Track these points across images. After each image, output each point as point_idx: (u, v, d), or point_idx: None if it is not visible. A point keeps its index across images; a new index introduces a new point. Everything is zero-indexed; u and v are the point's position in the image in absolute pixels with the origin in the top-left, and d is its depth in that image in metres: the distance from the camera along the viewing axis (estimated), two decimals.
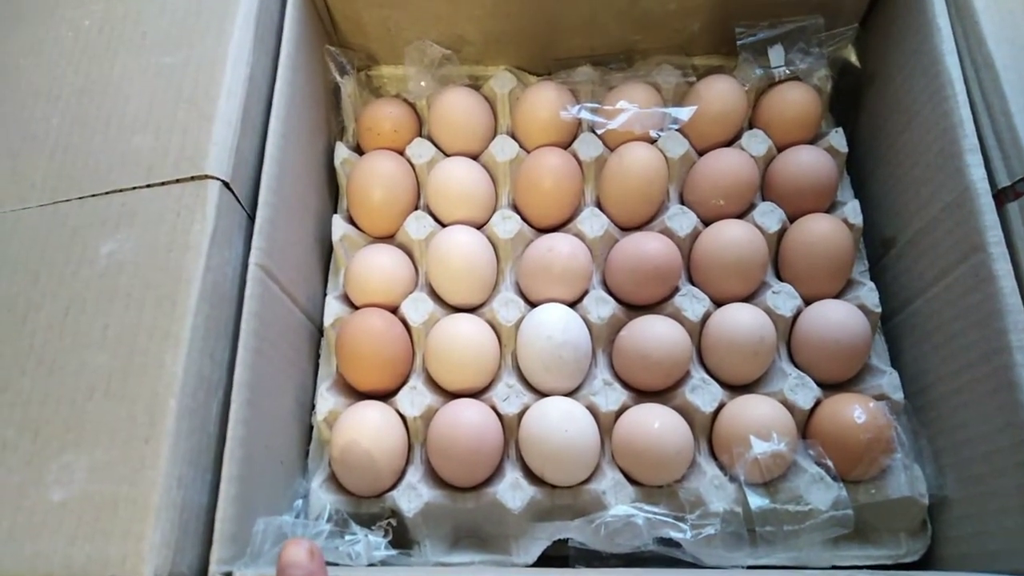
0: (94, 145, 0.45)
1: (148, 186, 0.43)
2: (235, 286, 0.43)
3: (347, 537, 0.43)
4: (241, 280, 0.43)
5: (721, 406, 0.49)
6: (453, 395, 0.51)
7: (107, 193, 0.43)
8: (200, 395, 0.38)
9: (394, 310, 0.53)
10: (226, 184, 0.42)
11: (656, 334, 0.49)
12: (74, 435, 0.37)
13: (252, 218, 0.45)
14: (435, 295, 0.54)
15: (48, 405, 0.38)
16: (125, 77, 0.47)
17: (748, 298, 0.53)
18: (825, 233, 0.52)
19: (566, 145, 0.58)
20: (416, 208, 0.57)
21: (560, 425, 0.46)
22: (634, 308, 0.54)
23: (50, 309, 0.40)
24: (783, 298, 0.51)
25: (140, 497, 0.35)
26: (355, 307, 0.53)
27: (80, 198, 0.43)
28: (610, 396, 0.49)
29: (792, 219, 0.54)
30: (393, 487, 0.48)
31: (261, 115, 0.48)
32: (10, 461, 0.37)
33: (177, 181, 0.42)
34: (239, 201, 0.44)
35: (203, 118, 0.44)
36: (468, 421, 0.47)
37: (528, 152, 0.57)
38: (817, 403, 0.48)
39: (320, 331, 0.53)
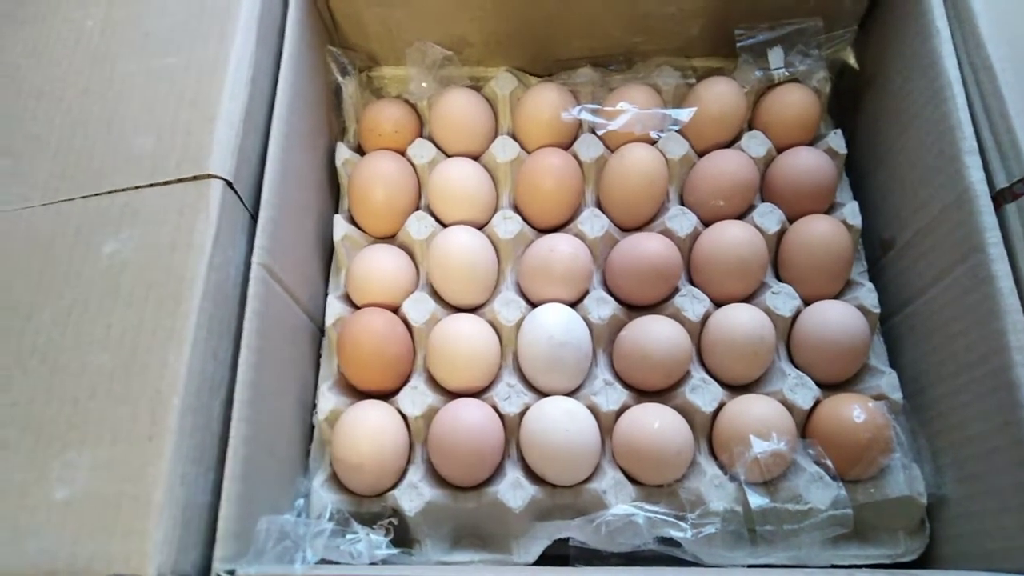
0: (97, 145, 0.45)
1: (151, 185, 0.43)
2: (238, 286, 0.43)
3: (348, 536, 0.43)
4: (244, 279, 0.43)
5: (721, 406, 0.49)
6: (454, 395, 0.51)
7: (110, 192, 0.43)
8: (203, 394, 0.38)
9: (395, 310, 0.53)
10: (229, 183, 0.43)
11: (656, 334, 0.49)
12: (77, 434, 0.37)
13: (255, 218, 0.45)
14: (436, 295, 0.54)
15: (51, 404, 0.38)
16: (127, 78, 0.47)
17: (748, 298, 0.53)
18: (824, 234, 0.52)
19: (567, 146, 0.58)
20: (417, 208, 0.57)
21: (561, 425, 0.47)
22: (634, 308, 0.54)
23: (53, 309, 0.40)
24: (783, 298, 0.52)
25: (143, 495, 0.35)
26: (356, 307, 0.54)
27: (83, 197, 0.43)
28: (611, 396, 0.49)
29: (791, 220, 0.54)
30: (394, 486, 0.48)
31: (263, 115, 0.48)
32: (13, 460, 0.37)
33: (180, 181, 0.42)
34: (242, 201, 0.44)
35: (206, 118, 0.44)
36: (469, 421, 0.47)
37: (529, 153, 0.58)
38: (816, 403, 0.49)
39: (321, 331, 0.54)
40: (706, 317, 0.52)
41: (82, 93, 0.47)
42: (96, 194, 0.43)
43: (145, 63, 0.47)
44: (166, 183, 0.43)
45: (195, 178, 0.42)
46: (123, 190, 0.43)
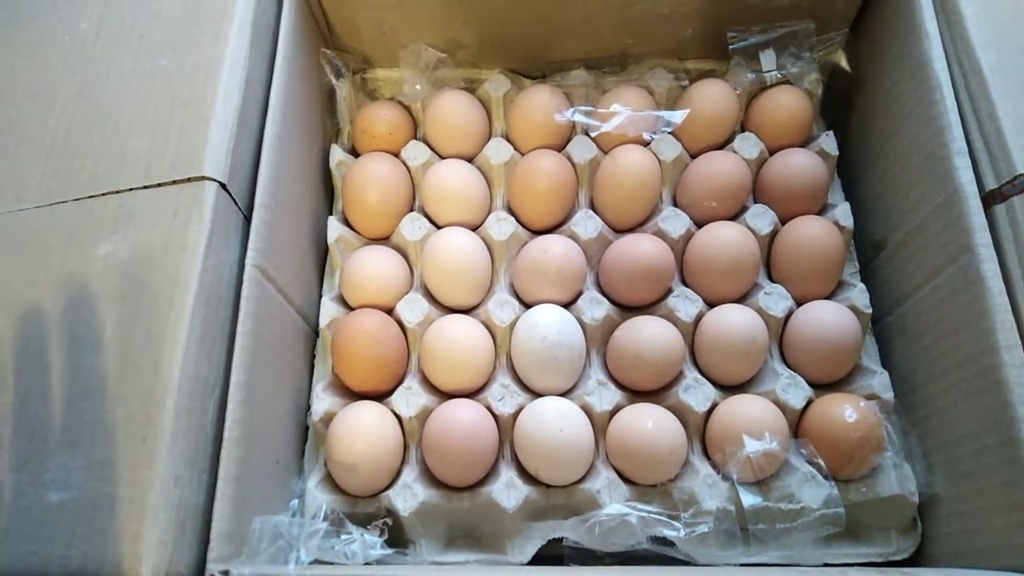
0: (91, 147, 0.45)
1: (145, 187, 0.43)
2: (232, 287, 0.43)
3: (343, 536, 0.43)
4: (238, 281, 0.43)
5: (714, 406, 0.49)
6: (448, 395, 0.51)
7: (104, 195, 0.43)
8: (197, 395, 0.39)
9: (389, 311, 0.53)
10: (223, 185, 0.43)
11: (649, 335, 0.50)
12: (71, 435, 0.37)
13: (248, 219, 0.45)
14: (430, 296, 0.54)
15: (45, 406, 0.38)
16: (121, 80, 0.47)
17: (740, 299, 0.53)
18: (816, 235, 0.52)
19: (560, 148, 0.58)
20: (411, 210, 0.57)
21: (554, 425, 0.47)
22: (628, 309, 0.54)
23: (46, 311, 0.40)
24: (775, 299, 0.52)
25: (137, 497, 0.35)
26: (350, 308, 0.54)
27: (76, 200, 0.43)
28: (604, 396, 0.50)
29: (784, 221, 0.55)
30: (388, 487, 0.48)
31: (257, 118, 0.48)
32: (6, 461, 0.37)
33: (174, 183, 0.42)
34: (235, 203, 0.44)
35: (200, 120, 0.44)
36: (463, 421, 0.47)
37: (522, 154, 0.58)
38: (809, 402, 0.49)
39: (316, 332, 0.54)
40: (699, 318, 0.52)
41: (76, 95, 0.47)
42: (90, 196, 0.43)
43: (139, 64, 0.47)
44: (160, 185, 0.43)
45: (189, 180, 0.42)
46: (117, 192, 0.43)
